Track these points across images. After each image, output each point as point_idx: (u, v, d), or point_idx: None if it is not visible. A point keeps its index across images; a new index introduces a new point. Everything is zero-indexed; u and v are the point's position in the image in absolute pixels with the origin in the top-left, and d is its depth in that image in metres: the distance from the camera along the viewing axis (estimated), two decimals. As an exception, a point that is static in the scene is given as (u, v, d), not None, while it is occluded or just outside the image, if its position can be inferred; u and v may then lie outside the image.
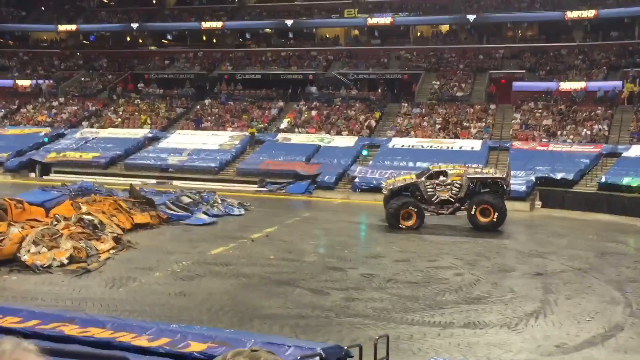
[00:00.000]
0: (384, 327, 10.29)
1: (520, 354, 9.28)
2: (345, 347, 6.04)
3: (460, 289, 12.97)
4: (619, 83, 35.18)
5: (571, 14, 40.28)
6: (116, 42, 52.06)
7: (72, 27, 50.42)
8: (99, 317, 7.05)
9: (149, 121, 39.45)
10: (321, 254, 16.49)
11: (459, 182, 20.36)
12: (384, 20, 44.47)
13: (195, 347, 5.53)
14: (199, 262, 15.02)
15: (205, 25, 48.07)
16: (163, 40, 52.79)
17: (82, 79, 47.54)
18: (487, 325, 10.54)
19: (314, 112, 38.61)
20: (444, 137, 33.24)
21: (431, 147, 32.12)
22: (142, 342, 5.52)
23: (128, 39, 51.90)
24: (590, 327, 10.57)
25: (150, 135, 37.63)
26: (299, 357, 5.07)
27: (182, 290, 12.52)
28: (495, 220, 19.87)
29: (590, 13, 39.93)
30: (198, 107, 41.63)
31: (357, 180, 29.46)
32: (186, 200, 22.13)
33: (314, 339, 8.97)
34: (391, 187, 20.93)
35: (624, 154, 28.65)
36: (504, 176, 20.89)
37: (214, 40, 50.88)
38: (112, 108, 42.45)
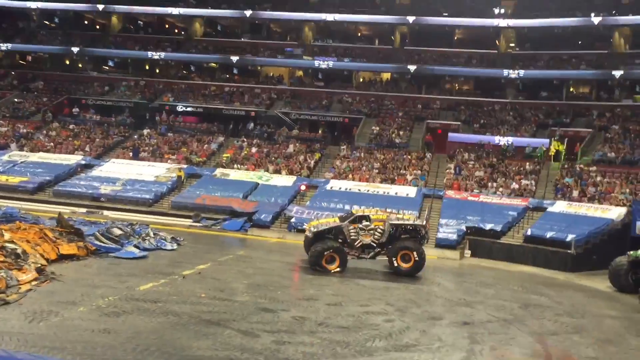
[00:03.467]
0: (313, 372, 10.23)
1: (446, 404, 9.40)
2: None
3: (390, 335, 13.08)
4: (546, 140, 37.09)
5: (504, 73, 42.49)
6: (55, 65, 50.75)
7: (8, 46, 48.91)
8: (17, 354, 6.72)
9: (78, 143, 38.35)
10: (253, 293, 16.30)
11: (381, 227, 20.72)
12: (328, 63, 45.46)
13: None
14: (127, 297, 14.53)
15: (150, 54, 47.70)
16: (104, 66, 51.88)
17: (15, 99, 45.93)
18: (414, 374, 10.65)
19: (254, 149, 38.64)
20: (381, 182, 33.90)
21: (368, 191, 32.66)
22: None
23: (67, 62, 50.73)
24: (513, 378, 10.85)
25: (83, 162, 36.57)
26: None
27: (107, 327, 12.06)
28: (415, 266, 20.31)
29: (522, 73, 42.24)
30: (136, 136, 40.88)
31: (293, 220, 29.50)
32: (117, 232, 21.48)
33: (242, 384, 8.81)
34: (315, 229, 21.04)
35: (549, 209, 30.01)
36: (424, 223, 21.51)
37: (157, 71, 50.47)
38: (45, 131, 41.08)
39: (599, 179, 32.53)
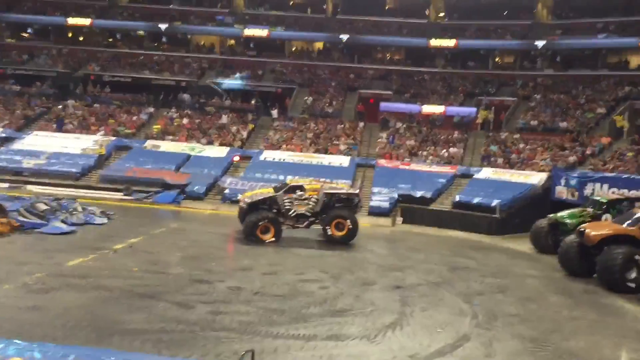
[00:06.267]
0: (249, 340, 10.34)
1: (378, 365, 9.75)
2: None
3: (325, 302, 13.36)
4: (474, 109, 38.19)
5: (434, 42, 43.25)
6: (-33, 32, 47.65)
7: None
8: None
9: None
10: (188, 266, 16.19)
11: (315, 196, 21.01)
12: (261, 32, 44.87)
13: (50, 367, 5.26)
14: (55, 274, 14.14)
15: (72, 21, 45.59)
16: (23, 34, 49.09)
17: None
18: (348, 337, 10.96)
19: (185, 120, 37.88)
20: (315, 152, 34.07)
21: (302, 161, 32.78)
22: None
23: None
24: (441, 337, 11.35)
25: (3, 135, 34.80)
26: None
27: (35, 304, 11.73)
28: (348, 234, 20.76)
29: (451, 42, 43.14)
30: (60, 107, 39.20)
31: (227, 191, 29.30)
32: (42, 207, 20.70)
33: (178, 355, 8.83)
34: (249, 200, 21.07)
35: (475, 176, 31.12)
36: (357, 192, 21.94)
37: (81, 38, 48.31)
38: (-40, 103, 38.77)
39: (522, 146, 33.91)
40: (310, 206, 21.04)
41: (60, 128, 36.24)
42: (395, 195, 29.13)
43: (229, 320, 11.50)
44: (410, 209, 28.52)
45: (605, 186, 25.73)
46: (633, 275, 15.97)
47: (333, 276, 16.01)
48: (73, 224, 20.18)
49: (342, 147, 34.71)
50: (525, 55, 43.89)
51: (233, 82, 41.82)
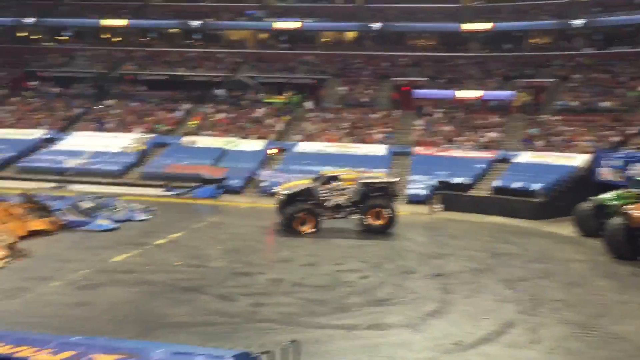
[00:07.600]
0: (291, 331, 10.43)
1: (421, 353, 9.72)
2: (257, 353, 6.11)
3: (365, 291, 13.36)
4: (511, 93, 37.43)
5: (466, 26, 42.48)
6: (7, 37, 48.97)
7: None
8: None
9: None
10: (228, 259, 16.40)
11: (352, 187, 20.94)
12: (292, 24, 44.85)
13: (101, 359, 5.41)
14: (100, 270, 14.52)
15: (107, 22, 46.38)
16: (60, 37, 50.20)
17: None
18: (390, 326, 10.94)
19: (221, 115, 38.23)
20: (350, 142, 33.98)
21: (338, 151, 32.74)
22: (44, 356, 5.32)
23: (20, 34, 48.99)
24: (485, 324, 11.23)
25: (46, 136, 35.76)
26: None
27: (82, 300, 12.07)
28: (386, 223, 20.63)
29: (485, 25, 42.29)
30: (99, 107, 40.03)
31: (264, 184, 29.49)
32: (86, 205, 21.27)
33: (222, 346, 8.94)
34: (287, 192, 21.13)
35: (514, 160, 30.55)
36: (394, 181, 21.73)
37: (116, 39, 49.14)
38: (4, 107, 39.91)
39: (562, 128, 33.11)
40: (348, 196, 21.00)
41: (101, 127, 37.04)
42: (433, 183, 28.83)
43: (271, 312, 11.62)
44: (449, 196, 28.16)
45: (651, 166, 24.97)
46: (682, 256, 15.48)
47: (373, 265, 15.98)
48: (116, 221, 20.65)
49: (377, 136, 34.52)
50: (561, 35, 42.74)
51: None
